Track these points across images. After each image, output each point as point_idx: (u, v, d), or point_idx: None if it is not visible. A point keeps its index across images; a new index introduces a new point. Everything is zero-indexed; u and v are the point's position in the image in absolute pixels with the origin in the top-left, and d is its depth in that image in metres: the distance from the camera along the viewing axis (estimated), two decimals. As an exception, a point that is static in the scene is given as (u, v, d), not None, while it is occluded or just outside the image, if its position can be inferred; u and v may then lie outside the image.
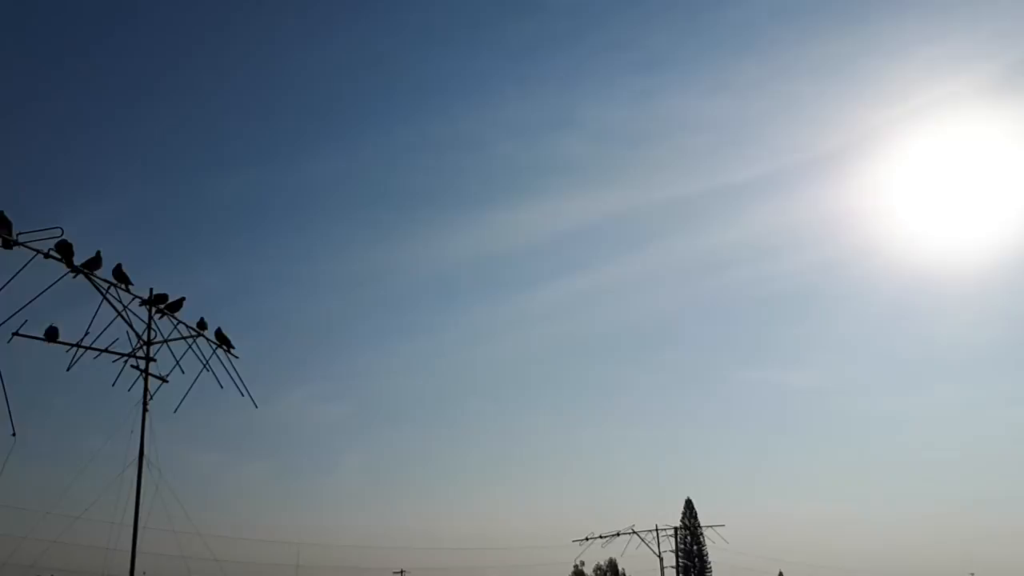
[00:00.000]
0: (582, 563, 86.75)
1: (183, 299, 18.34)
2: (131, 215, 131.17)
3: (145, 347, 17.66)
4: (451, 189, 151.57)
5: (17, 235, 14.67)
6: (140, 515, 17.00)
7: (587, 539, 59.64)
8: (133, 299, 17.40)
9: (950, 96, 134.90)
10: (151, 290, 17.91)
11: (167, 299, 18.08)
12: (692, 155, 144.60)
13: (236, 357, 18.87)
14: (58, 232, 15.10)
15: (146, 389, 17.55)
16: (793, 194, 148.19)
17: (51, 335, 16.02)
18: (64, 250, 15.45)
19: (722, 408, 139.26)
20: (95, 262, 16.12)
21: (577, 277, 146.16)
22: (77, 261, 15.74)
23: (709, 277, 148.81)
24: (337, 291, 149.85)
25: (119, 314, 16.88)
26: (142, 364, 17.61)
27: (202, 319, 18.57)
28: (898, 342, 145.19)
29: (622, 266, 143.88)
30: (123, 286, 16.93)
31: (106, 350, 16.94)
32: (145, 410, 17.45)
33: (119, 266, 16.88)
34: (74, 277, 15.76)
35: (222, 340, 18.81)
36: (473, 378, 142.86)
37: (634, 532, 60.68)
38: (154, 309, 17.91)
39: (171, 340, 18.14)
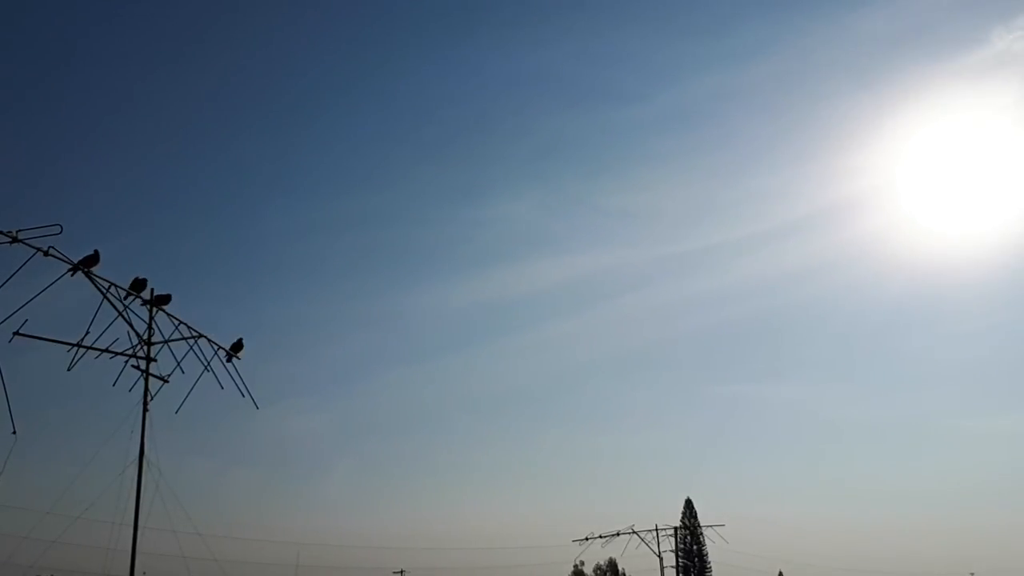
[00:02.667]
0: (582, 563, 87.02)
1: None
2: (131, 250, 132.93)
3: (146, 347, 17.55)
4: (468, 245, 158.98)
5: (17, 232, 14.54)
6: (140, 515, 16.88)
7: (587, 539, 59.67)
8: (134, 299, 17.31)
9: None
10: (152, 290, 17.74)
11: (169, 300, 17.97)
12: (675, 222, 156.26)
13: (238, 359, 18.77)
14: (57, 230, 14.97)
15: (146, 389, 17.41)
16: (779, 247, 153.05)
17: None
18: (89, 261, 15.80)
19: (719, 415, 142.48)
20: (93, 259, 16.02)
21: (575, 316, 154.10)
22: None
23: (700, 310, 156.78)
24: (341, 327, 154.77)
25: (120, 314, 16.77)
26: (143, 364, 17.50)
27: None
28: (886, 354, 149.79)
29: (617, 305, 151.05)
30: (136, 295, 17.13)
31: (107, 350, 16.81)
32: (145, 410, 17.32)
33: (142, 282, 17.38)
34: (72, 275, 15.67)
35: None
36: (477, 391, 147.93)
37: (634, 532, 60.64)
38: (155, 309, 17.80)
39: (172, 340, 18.01)
